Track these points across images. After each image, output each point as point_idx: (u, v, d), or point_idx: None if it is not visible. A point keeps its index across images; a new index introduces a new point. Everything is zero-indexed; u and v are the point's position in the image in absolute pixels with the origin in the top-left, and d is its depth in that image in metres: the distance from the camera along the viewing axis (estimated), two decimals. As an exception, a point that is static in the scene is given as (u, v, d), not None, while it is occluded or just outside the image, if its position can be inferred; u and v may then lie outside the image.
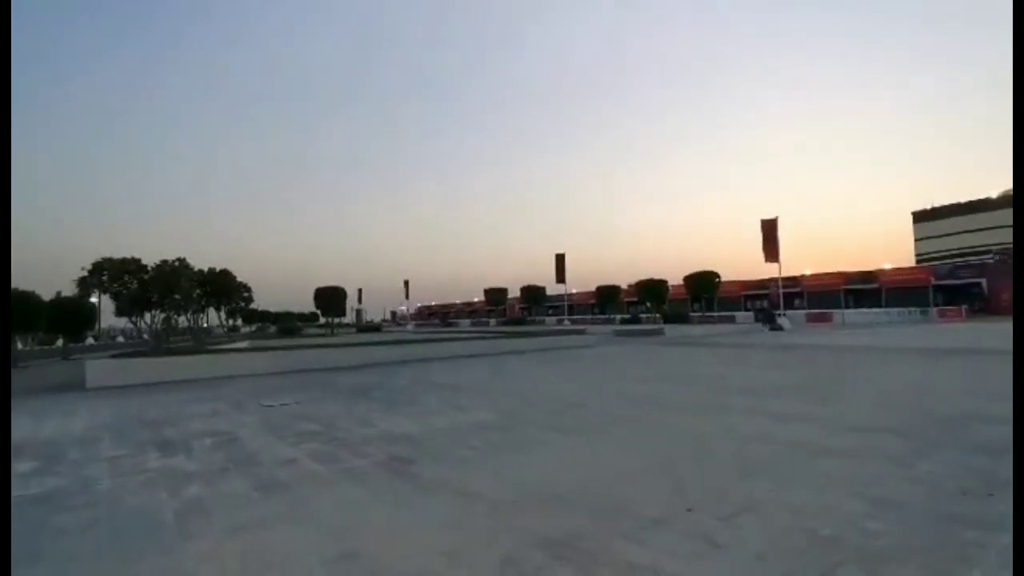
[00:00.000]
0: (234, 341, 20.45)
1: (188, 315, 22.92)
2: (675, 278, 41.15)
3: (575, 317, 47.12)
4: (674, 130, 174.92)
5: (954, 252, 77.46)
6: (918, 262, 76.92)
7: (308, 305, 48.34)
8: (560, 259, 41.90)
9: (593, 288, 58.24)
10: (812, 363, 10.82)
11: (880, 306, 37.77)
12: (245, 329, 55.28)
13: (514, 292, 58.06)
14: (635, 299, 45.40)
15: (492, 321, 56.91)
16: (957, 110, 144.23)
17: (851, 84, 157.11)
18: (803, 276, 44.47)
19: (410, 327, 58.14)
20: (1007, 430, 4.45)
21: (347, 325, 56.88)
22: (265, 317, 67.87)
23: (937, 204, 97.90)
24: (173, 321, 23.65)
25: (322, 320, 52.39)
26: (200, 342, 19.79)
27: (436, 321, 76.80)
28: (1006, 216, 77.47)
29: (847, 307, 37.99)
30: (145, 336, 19.59)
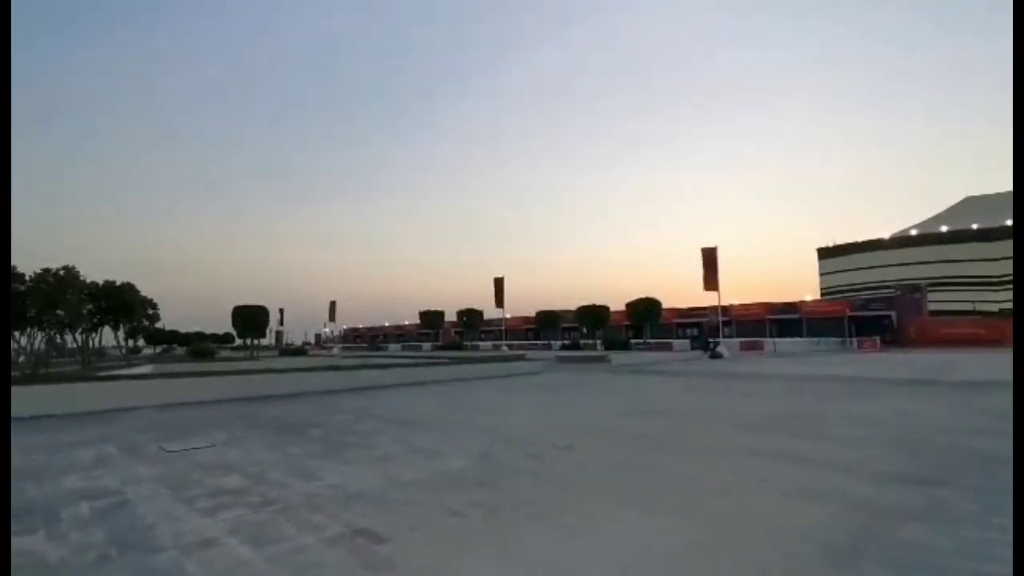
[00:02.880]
0: (133, 365, 17.83)
1: (77, 334, 19.87)
2: (610, 305, 41.55)
3: (511, 342, 46.29)
4: (612, 161, 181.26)
5: (856, 286, 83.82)
6: (823, 295, 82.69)
7: (224, 325, 44.54)
8: (499, 283, 41.10)
9: (524, 314, 57.97)
10: (779, 393, 10.48)
11: (801, 335, 39.74)
12: (148, 351, 50.23)
13: (450, 316, 56.50)
14: (573, 325, 45.26)
15: (426, 345, 54.97)
16: (859, 161, 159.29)
17: (772, 130, 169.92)
18: (732, 306, 46.23)
19: (336, 350, 55.06)
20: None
21: (267, 348, 52.97)
22: (173, 338, 62.24)
23: (839, 242, 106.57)
24: (59, 341, 20.47)
25: (238, 342, 48.53)
26: (89, 366, 17.08)
27: (364, 345, 73.54)
28: (897, 255, 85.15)
29: (771, 336, 39.66)
30: (22, 359, 16.67)
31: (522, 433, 6.25)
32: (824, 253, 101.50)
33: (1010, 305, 66.53)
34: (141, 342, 50.67)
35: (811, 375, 14.99)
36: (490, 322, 56.26)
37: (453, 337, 59.36)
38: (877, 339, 37.52)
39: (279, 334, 69.22)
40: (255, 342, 40.56)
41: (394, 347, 60.15)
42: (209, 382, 11.25)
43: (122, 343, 24.91)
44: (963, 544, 2.67)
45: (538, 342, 49.24)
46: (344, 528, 3.08)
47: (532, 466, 4.60)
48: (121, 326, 21.37)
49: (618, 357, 24.28)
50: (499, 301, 41.55)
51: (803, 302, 45.63)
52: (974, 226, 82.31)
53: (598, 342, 36.87)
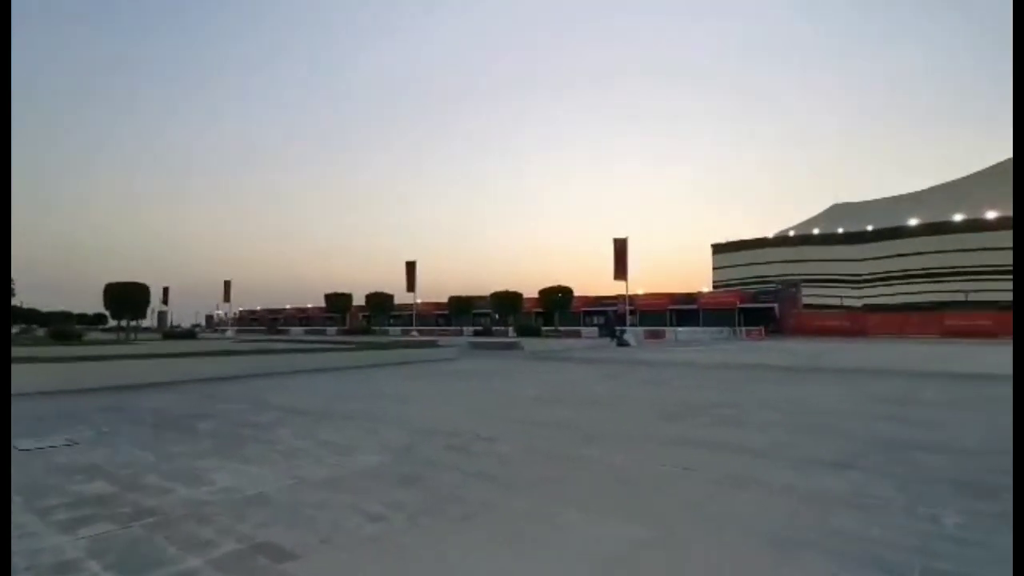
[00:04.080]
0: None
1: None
2: (516, 292, 41.86)
3: (422, 328, 45.41)
4: (528, 148, 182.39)
5: (743, 280, 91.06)
6: (715, 287, 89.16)
7: (95, 305, 39.78)
8: (411, 267, 39.97)
9: (435, 300, 57.10)
10: (687, 380, 10.89)
11: (698, 324, 42.49)
12: None
13: (358, 300, 54.29)
14: (485, 312, 45.18)
15: (331, 330, 52.52)
16: (752, 163, 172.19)
17: (681, 128, 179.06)
18: (637, 295, 48.40)
19: (230, 333, 51.17)
20: (944, 458, 4.27)
21: (148, 330, 48.03)
22: (31, 317, 54.86)
23: (731, 239, 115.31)
24: None
25: (112, 323, 43.68)
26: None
27: (262, 328, 69.04)
28: (778, 253, 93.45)
29: (672, 324, 42.02)
30: None
31: (441, 423, 5.88)
32: (717, 248, 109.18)
33: (873, 300, 75.50)
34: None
35: (713, 363, 15.87)
36: (400, 307, 54.86)
37: (360, 321, 57.28)
38: (762, 328, 40.97)
39: (163, 315, 63.23)
40: (134, 323, 36.66)
41: (296, 331, 56.96)
42: (73, 368, 9.76)
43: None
44: (897, 534, 2.69)
45: (449, 328, 48.73)
46: (240, 543, 2.58)
47: (456, 460, 4.27)
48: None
49: (530, 344, 24.47)
50: (411, 285, 40.50)
51: (700, 293, 48.88)
52: (840, 230, 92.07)
53: (510, 329, 37.10)
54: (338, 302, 54.01)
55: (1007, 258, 68.62)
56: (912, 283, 76.62)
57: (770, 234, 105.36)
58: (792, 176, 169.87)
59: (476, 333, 38.30)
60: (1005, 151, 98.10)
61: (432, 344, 21.84)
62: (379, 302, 52.02)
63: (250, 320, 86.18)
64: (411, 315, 48.20)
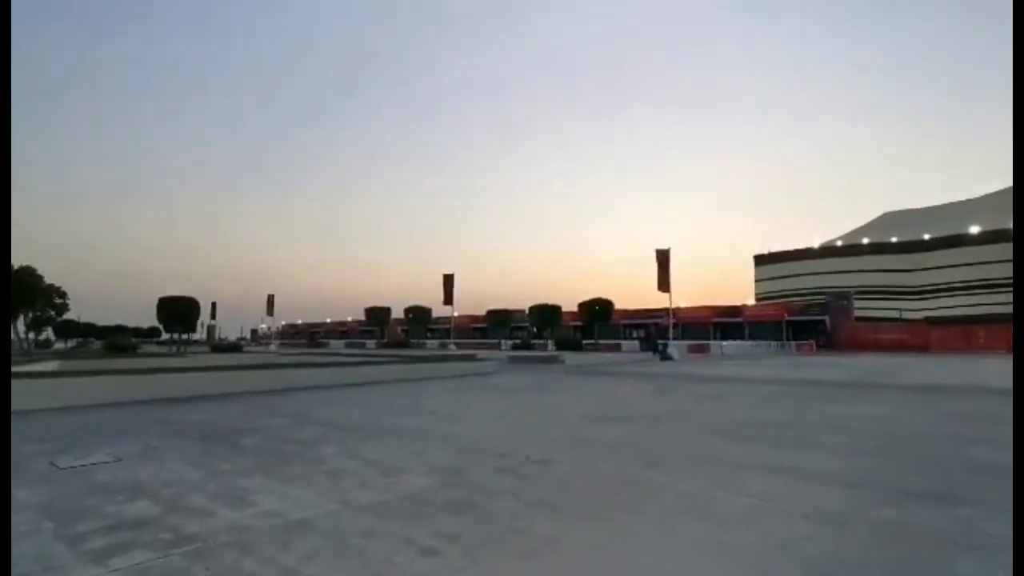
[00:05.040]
0: (35, 360, 15.77)
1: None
2: (555, 304, 41.41)
3: (459, 341, 45.43)
4: (567, 160, 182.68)
5: (788, 292, 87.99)
6: (758, 299, 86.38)
7: (148, 319, 41.39)
8: (448, 280, 40.11)
9: (471, 312, 57.12)
10: (742, 396, 10.29)
11: (743, 338, 41.04)
12: (59, 345, 46.02)
13: (397, 313, 54.87)
14: (522, 324, 44.87)
15: (370, 343, 53.19)
16: (791, 176, 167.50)
17: (717, 138, 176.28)
18: (679, 308, 47.23)
19: (273, 347, 52.43)
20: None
21: (198, 343, 49.70)
22: (89, 331, 57.56)
23: (773, 250, 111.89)
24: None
25: (165, 336, 45.31)
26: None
27: (303, 341, 70.58)
28: (825, 264, 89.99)
29: (715, 338, 40.71)
30: None
31: (488, 443, 5.59)
32: (760, 260, 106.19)
33: (933, 312, 71.64)
34: (49, 334, 46.39)
35: (766, 378, 15.10)
36: (437, 320, 55.13)
37: (399, 335, 57.85)
38: (813, 342, 39.22)
39: (211, 328, 65.39)
40: (185, 336, 37.97)
41: (336, 344, 57.91)
42: (123, 381, 9.94)
43: (23, 335, 22.25)
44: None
45: (487, 341, 48.62)
46: (284, 580, 2.34)
47: (509, 484, 3.96)
48: (21, 316, 19.04)
49: (571, 357, 24.01)
50: (448, 298, 40.61)
51: (745, 306, 47.33)
52: (893, 239, 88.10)
53: (549, 342, 36.66)
54: (377, 315, 54.74)
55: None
56: (974, 294, 72.40)
57: (815, 245, 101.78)
58: (832, 187, 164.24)
59: (515, 347, 38.03)
60: None
61: (471, 358, 21.65)
62: (417, 315, 52.45)
63: (292, 334, 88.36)
64: (449, 328, 48.33)
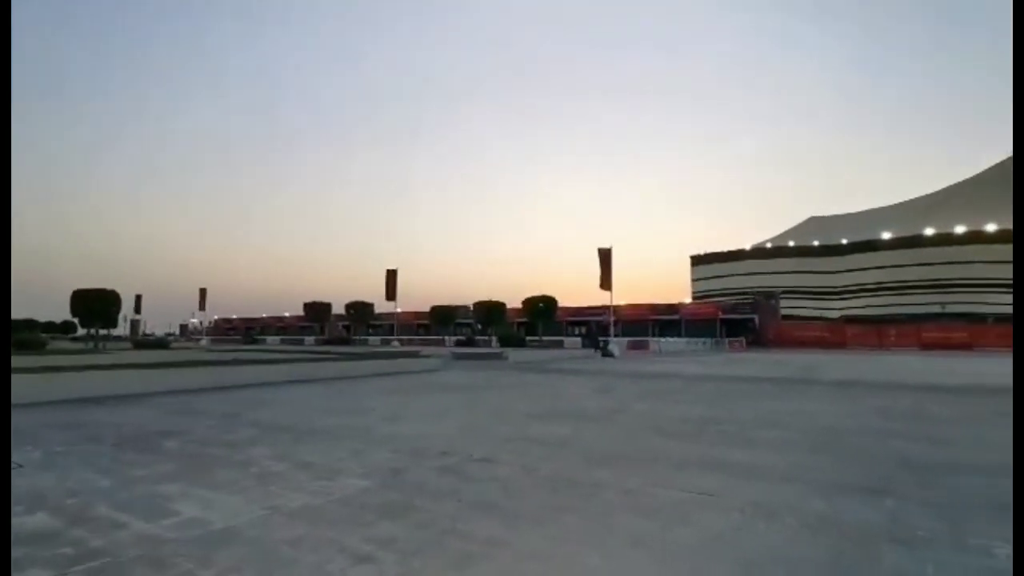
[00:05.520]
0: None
1: None
2: (499, 301, 41.51)
3: (403, 338, 44.65)
4: (512, 158, 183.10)
5: (721, 291, 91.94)
6: (694, 298, 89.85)
7: (63, 312, 38.29)
8: (392, 275, 39.28)
9: (415, 309, 56.37)
10: (682, 393, 10.60)
11: (680, 335, 42.51)
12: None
13: (337, 308, 53.24)
14: (467, 321, 44.63)
15: (309, 339, 51.40)
16: (729, 175, 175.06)
17: (659, 140, 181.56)
18: (619, 306, 48.35)
19: (204, 342, 49.74)
20: (976, 479, 4.00)
21: (119, 339, 46.39)
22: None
23: (708, 251, 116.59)
24: None
25: (81, 331, 42.11)
26: None
27: (237, 337, 67.40)
28: (755, 265, 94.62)
29: (654, 335, 41.99)
30: None
31: (431, 442, 5.46)
32: (696, 260, 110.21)
33: (850, 312, 76.73)
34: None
35: (702, 375, 15.66)
36: (380, 316, 53.96)
37: (340, 331, 56.27)
38: (743, 340, 41.17)
39: (135, 323, 61.37)
40: (104, 332, 35.38)
41: (272, 340, 55.63)
42: (28, 380, 9.07)
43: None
44: (955, 573, 2.37)
45: (431, 338, 48.08)
46: (202, 597, 2.15)
47: (450, 485, 3.86)
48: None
49: (515, 354, 24.07)
50: (391, 294, 39.82)
51: (682, 304, 49.04)
52: (816, 243, 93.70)
53: (493, 339, 36.65)
54: (317, 311, 53.01)
55: (978, 271, 70.73)
56: (886, 295, 78.09)
57: (747, 246, 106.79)
58: (770, 190, 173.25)
59: (459, 343, 37.78)
60: (972, 168, 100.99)
61: (414, 354, 21.31)
62: (359, 311, 51.15)
63: (226, 329, 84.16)
64: (392, 325, 47.42)
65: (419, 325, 58.90)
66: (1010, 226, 71.54)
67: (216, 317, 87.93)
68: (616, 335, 42.54)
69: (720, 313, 45.85)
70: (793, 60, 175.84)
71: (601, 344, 27.62)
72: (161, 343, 40.54)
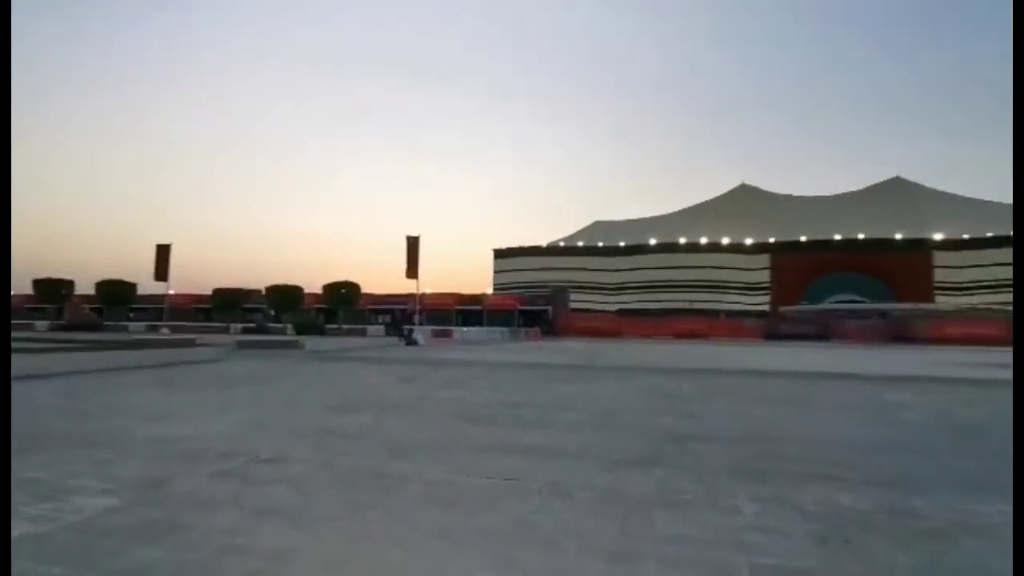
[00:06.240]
0: None
1: None
2: (295, 286, 38.63)
3: (177, 324, 38.60)
4: (316, 132, 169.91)
5: (523, 284, 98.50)
6: (495, 290, 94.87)
7: None
8: (163, 251, 33.52)
9: (194, 291, 49.52)
10: (483, 380, 10.95)
11: (481, 324, 44.41)
12: None
13: (85, 288, 43.71)
14: (258, 306, 40.37)
15: (41, 324, 41.39)
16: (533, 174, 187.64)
17: (477, 128, 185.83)
18: (425, 294, 48.54)
19: None
20: (717, 447, 4.82)
21: None
22: None
23: (512, 245, 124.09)
24: None
25: None
26: None
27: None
28: (551, 261, 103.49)
29: (457, 324, 43.16)
30: None
31: (207, 443, 4.70)
32: (498, 253, 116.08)
33: (624, 306, 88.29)
34: None
35: (503, 362, 16.46)
36: (147, 299, 45.90)
37: (86, 314, 46.39)
38: (538, 329, 44.73)
39: None
40: None
41: (-16, 325, 43.37)
42: None
43: None
44: (713, 532, 2.77)
45: (213, 325, 42.42)
46: None
47: (230, 492, 3.34)
48: None
49: (312, 342, 22.54)
50: (161, 273, 34.06)
51: (485, 295, 51.26)
52: (600, 244, 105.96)
53: (288, 326, 33.82)
54: (50, 289, 42.84)
55: (715, 275, 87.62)
56: (651, 292, 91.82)
57: (544, 243, 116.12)
58: (568, 192, 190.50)
59: (247, 330, 34.06)
60: (732, 181, 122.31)
61: (189, 343, 18.52)
62: (114, 291, 42.71)
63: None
64: (162, 308, 40.66)
65: (200, 310, 51.48)
66: (741, 240, 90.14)
67: None
68: (421, 323, 42.71)
69: (519, 304, 49.30)
70: (603, 75, 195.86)
71: (406, 332, 27.38)
72: None
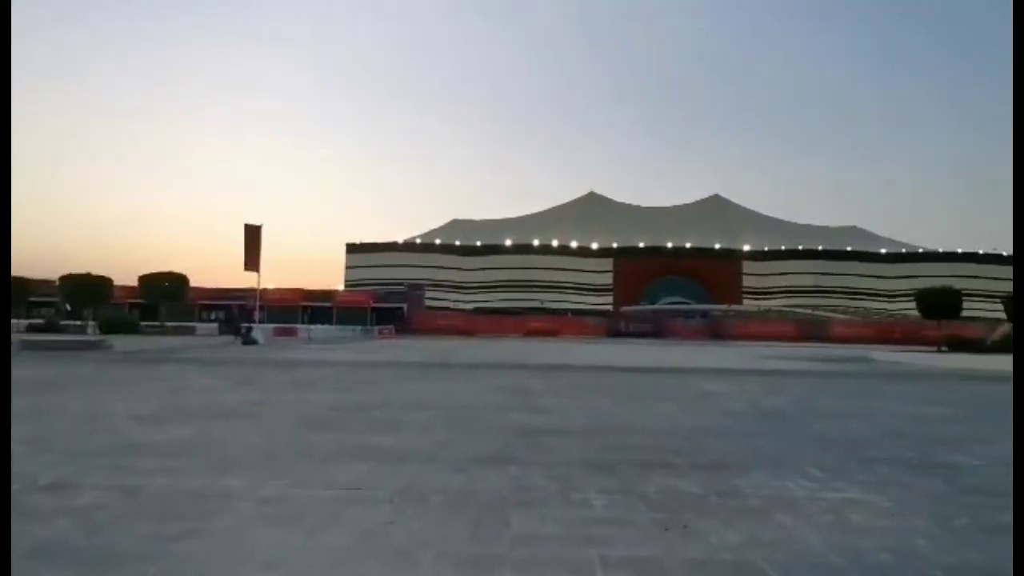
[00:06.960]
0: None
1: None
2: (114, 278, 33.13)
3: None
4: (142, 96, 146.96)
5: (377, 281, 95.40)
6: (347, 286, 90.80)
7: None
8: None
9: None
10: (331, 380, 10.27)
11: (331, 322, 42.01)
12: None
13: None
14: (52, 300, 33.71)
15: None
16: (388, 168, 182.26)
17: (330, 119, 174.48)
18: (266, 290, 44.57)
19: None
20: (567, 440, 4.99)
21: None
22: None
23: (366, 240, 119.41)
24: None
25: None
26: None
27: None
28: (407, 258, 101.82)
29: (303, 322, 40.34)
30: None
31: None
32: (351, 248, 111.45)
33: (478, 304, 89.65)
34: None
35: (352, 361, 15.67)
36: None
37: None
38: (392, 327, 43.53)
39: None
40: None
41: None
42: None
43: None
44: (566, 527, 2.80)
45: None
46: None
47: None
48: None
49: (124, 342, 19.45)
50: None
51: (335, 291, 48.62)
52: (457, 242, 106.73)
53: (91, 323, 28.79)
54: None
55: (562, 276, 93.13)
56: (506, 291, 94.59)
57: (400, 240, 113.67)
58: (425, 189, 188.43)
59: (34, 328, 28.39)
60: (585, 187, 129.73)
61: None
62: None
63: None
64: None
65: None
66: (588, 245, 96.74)
67: None
68: (262, 321, 39.11)
69: (372, 301, 47.52)
70: (468, 75, 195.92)
71: (243, 330, 24.87)
72: None
